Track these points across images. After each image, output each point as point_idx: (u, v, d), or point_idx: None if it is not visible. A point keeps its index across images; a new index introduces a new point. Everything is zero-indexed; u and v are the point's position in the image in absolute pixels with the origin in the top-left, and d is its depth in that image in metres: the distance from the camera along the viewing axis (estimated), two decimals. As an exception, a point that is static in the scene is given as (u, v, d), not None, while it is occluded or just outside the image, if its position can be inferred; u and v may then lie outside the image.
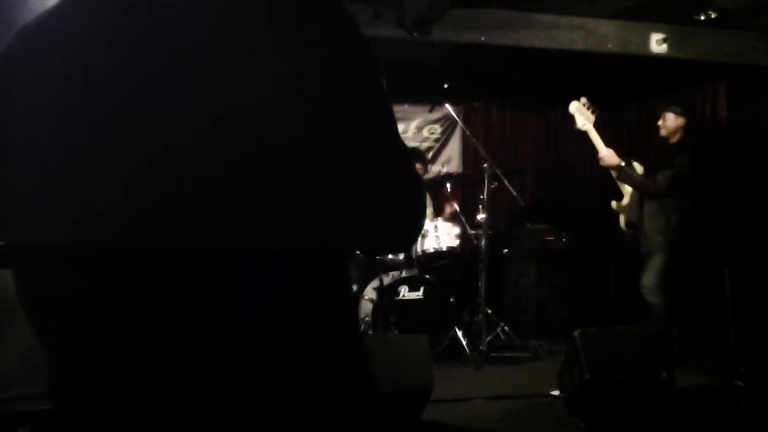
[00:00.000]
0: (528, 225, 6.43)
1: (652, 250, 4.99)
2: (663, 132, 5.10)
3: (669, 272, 4.98)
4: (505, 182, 5.43)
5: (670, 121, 5.07)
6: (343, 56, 0.91)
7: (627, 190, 5.18)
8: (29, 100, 0.92)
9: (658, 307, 4.92)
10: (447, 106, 5.65)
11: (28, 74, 0.92)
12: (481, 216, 5.44)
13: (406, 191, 1.00)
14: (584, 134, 4.90)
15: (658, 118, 5.17)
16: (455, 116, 5.90)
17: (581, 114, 4.88)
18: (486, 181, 5.42)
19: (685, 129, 5.10)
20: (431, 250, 5.39)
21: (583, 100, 4.88)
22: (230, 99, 0.86)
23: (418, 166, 5.92)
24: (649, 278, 4.97)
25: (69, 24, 0.91)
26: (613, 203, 5.29)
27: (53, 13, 0.93)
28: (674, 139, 5.08)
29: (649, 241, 5.01)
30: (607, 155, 4.87)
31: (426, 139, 7.10)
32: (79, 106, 0.87)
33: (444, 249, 5.39)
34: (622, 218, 5.29)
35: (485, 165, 5.46)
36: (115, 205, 0.87)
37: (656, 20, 5.50)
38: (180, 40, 0.87)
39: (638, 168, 5.07)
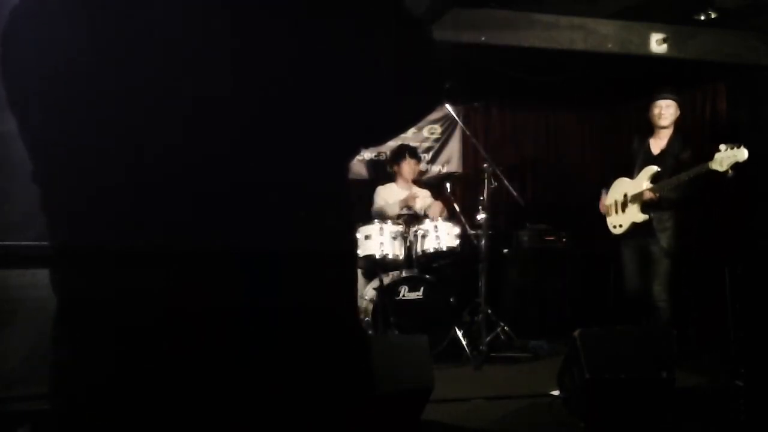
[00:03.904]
0: (528, 225, 6.43)
1: (668, 253, 4.88)
2: (664, 122, 4.96)
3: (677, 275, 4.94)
4: (505, 182, 5.42)
5: (673, 109, 4.98)
6: (343, 50, 0.90)
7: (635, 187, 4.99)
8: (20, 93, 0.91)
9: (666, 311, 4.87)
10: (447, 106, 5.65)
11: (18, 65, 0.91)
12: (481, 216, 5.44)
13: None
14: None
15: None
16: (455, 116, 5.90)
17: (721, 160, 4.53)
18: (486, 181, 5.42)
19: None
20: (431, 250, 5.39)
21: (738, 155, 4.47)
22: (228, 97, 0.86)
23: (413, 162, 5.93)
24: (661, 284, 4.88)
25: (56, 15, 0.90)
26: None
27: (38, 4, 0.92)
28: (671, 130, 5.00)
29: (669, 244, 4.87)
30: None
31: (426, 139, 7.10)
32: (74, 101, 0.87)
33: (444, 249, 5.38)
34: (621, 219, 5.13)
35: (485, 165, 5.46)
36: (110, 204, 0.87)
37: (656, 20, 5.50)
38: (173, 34, 0.86)
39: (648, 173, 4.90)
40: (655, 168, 4.89)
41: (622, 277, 5.25)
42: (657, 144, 5.04)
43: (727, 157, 4.47)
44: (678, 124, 5.08)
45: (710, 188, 5.44)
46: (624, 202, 5.08)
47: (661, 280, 4.89)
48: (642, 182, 4.94)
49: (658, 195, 4.82)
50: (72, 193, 0.89)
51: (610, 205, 5.24)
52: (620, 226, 5.13)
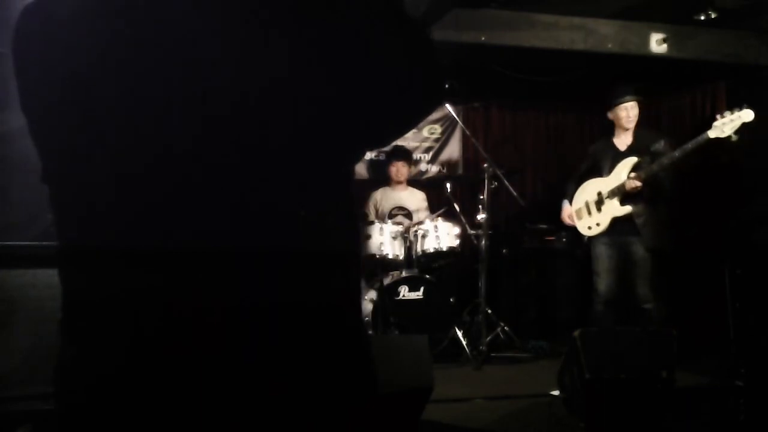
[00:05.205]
0: (528, 225, 6.43)
1: (651, 250, 4.76)
2: (631, 124, 4.85)
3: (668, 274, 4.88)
4: (505, 182, 5.42)
5: (637, 110, 4.86)
6: (345, 51, 0.90)
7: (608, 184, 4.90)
8: (32, 92, 0.92)
9: (654, 312, 4.75)
10: (447, 106, 5.65)
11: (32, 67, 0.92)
12: (481, 216, 5.44)
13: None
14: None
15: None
16: (455, 116, 5.90)
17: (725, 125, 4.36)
18: (486, 181, 5.42)
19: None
20: (431, 250, 5.39)
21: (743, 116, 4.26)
22: (229, 96, 0.86)
23: (399, 164, 5.93)
24: (646, 285, 4.75)
25: (68, 14, 0.90)
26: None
27: (45, 10, 0.92)
28: (633, 127, 4.90)
29: (651, 240, 4.74)
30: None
31: (426, 139, 7.10)
32: (79, 104, 0.87)
33: (444, 249, 5.39)
34: (598, 218, 4.97)
35: (485, 165, 5.46)
36: (115, 204, 0.87)
37: (656, 20, 5.51)
38: (178, 36, 0.86)
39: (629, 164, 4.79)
40: (635, 158, 4.77)
41: (593, 278, 4.98)
42: (623, 141, 4.94)
43: (729, 121, 4.26)
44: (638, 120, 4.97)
45: (697, 177, 5.41)
46: (599, 201, 4.94)
47: (646, 281, 4.75)
48: (621, 175, 4.80)
49: (642, 182, 4.64)
50: (82, 192, 0.89)
51: (580, 209, 5.11)
52: (597, 225, 4.95)
